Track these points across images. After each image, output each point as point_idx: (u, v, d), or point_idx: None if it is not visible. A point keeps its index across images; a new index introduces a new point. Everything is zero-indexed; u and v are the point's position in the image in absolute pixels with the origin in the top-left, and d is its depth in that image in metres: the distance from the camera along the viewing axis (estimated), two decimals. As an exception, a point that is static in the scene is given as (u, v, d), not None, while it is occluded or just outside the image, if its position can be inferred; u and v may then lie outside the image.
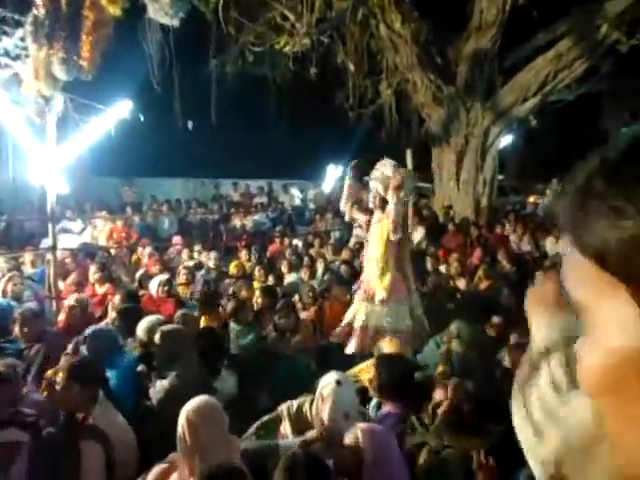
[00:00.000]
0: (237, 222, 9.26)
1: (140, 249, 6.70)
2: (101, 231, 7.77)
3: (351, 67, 8.14)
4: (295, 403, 2.65)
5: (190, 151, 10.68)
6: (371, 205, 4.08)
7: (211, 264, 6.13)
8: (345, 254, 6.07)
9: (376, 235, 3.97)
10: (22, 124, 5.15)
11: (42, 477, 2.53)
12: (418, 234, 7.00)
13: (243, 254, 6.41)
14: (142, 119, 5.52)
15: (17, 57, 5.41)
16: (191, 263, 6.05)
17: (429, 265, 5.56)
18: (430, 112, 8.74)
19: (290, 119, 10.16)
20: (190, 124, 8.51)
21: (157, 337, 2.98)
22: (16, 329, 3.61)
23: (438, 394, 2.75)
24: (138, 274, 5.45)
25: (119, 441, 2.58)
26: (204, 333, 3.52)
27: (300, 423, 2.56)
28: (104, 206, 9.48)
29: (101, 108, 5.49)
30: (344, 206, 4.21)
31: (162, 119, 7.85)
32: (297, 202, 11.37)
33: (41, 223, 7.07)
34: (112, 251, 6.91)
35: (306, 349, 3.81)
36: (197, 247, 6.80)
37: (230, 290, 4.92)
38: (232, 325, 4.07)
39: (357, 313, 3.93)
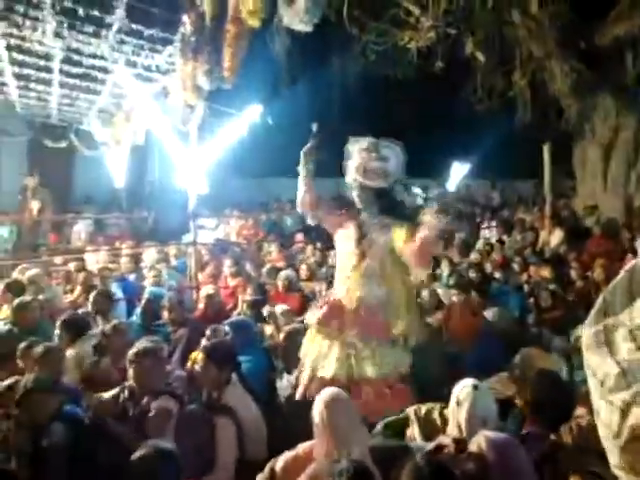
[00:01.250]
0: (357, 221, 9.32)
1: (266, 245, 7.12)
2: (233, 228, 8.43)
3: (481, 58, 7.71)
4: (424, 407, 2.60)
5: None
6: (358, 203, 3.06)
7: (331, 261, 6.26)
8: (474, 257, 5.77)
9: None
10: (168, 131, 5.78)
11: (185, 445, 2.81)
12: (556, 237, 6.38)
13: (364, 253, 6.41)
14: (271, 122, 5.83)
15: (166, 72, 6.07)
16: (312, 260, 6.25)
17: (573, 272, 5.03)
18: (570, 102, 7.92)
19: (412, 116, 9.97)
20: (314, 126, 8.74)
21: (282, 336, 3.12)
22: (165, 314, 4.07)
23: (580, 410, 2.51)
24: (265, 269, 5.77)
25: (249, 421, 2.75)
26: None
27: (428, 428, 2.51)
28: (236, 205, 10.23)
29: (234, 113, 5.94)
30: (303, 206, 3.22)
31: (288, 122, 8.21)
32: (419, 201, 11.09)
33: (182, 220, 7.84)
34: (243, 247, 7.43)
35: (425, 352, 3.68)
36: (319, 244, 7.00)
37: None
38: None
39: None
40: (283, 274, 5.00)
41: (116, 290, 5.06)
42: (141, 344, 3.10)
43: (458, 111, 9.40)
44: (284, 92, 7.40)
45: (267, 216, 9.66)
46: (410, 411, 2.68)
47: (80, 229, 8.53)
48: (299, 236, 8.03)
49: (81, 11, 4.54)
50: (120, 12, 4.60)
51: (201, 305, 4.48)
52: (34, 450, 2.57)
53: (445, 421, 2.52)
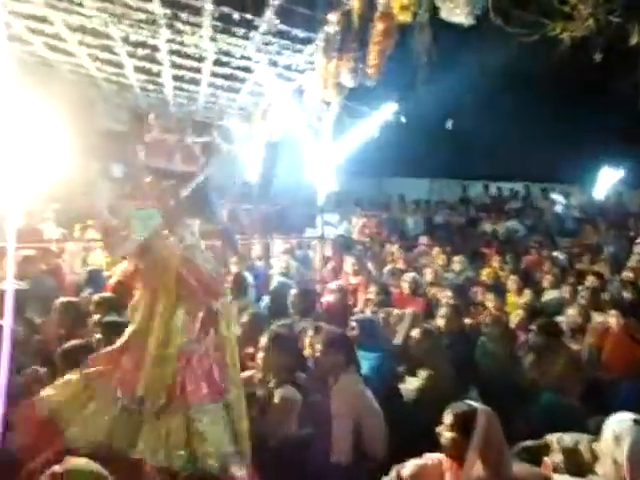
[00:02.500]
0: (487, 227, 8.84)
1: (388, 245, 7.05)
2: (354, 226, 8.49)
3: (648, 49, 6.75)
4: (568, 437, 2.36)
5: (446, 151, 10.57)
6: None
7: (456, 268, 6.00)
8: (625, 274, 5.08)
9: None
10: (302, 128, 5.98)
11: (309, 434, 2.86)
12: None
13: (495, 262, 6.03)
14: (404, 121, 5.73)
15: (303, 71, 6.27)
16: (439, 264, 6.04)
17: None
18: None
19: (554, 115, 9.11)
20: (449, 123, 8.44)
21: (416, 333, 3.04)
22: (291, 304, 4.22)
23: None
24: (387, 269, 5.70)
25: (369, 418, 2.74)
26: (457, 337, 3.44)
27: (574, 461, 2.27)
28: (357, 203, 10.30)
29: (368, 111, 5.94)
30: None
31: (419, 120, 7.96)
32: (558, 209, 10.12)
33: (306, 214, 8.10)
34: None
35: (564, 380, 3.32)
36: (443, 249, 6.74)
37: (479, 299, 4.70)
38: (482, 338, 3.85)
39: None
40: (409, 276, 4.88)
41: (247, 276, 5.36)
42: (271, 331, 3.24)
43: (612, 110, 8.37)
44: (418, 90, 7.19)
45: (389, 216, 9.57)
46: (552, 439, 2.45)
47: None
48: (423, 238, 7.81)
49: (236, 15, 4.86)
50: (269, 14, 4.83)
51: (326, 298, 4.56)
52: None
53: (595, 456, 2.26)
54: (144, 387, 2.20)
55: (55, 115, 6.17)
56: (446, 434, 2.14)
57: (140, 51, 6.20)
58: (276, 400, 2.87)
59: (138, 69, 7.13)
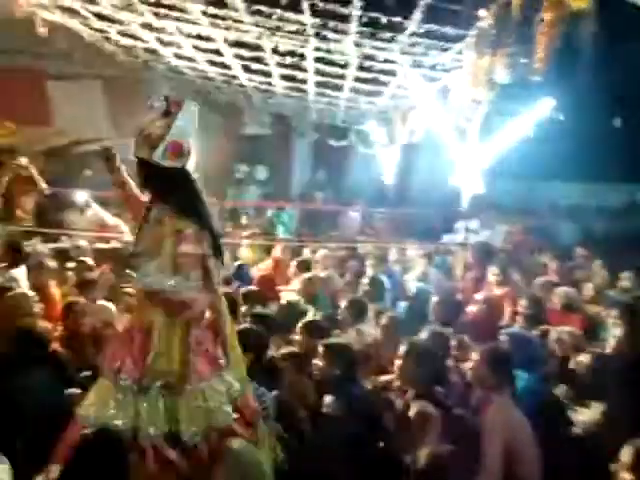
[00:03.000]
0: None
1: (538, 255, 6.46)
2: (499, 232, 7.91)
3: None
4: None
5: (611, 151, 9.35)
6: None
7: (623, 285, 5.26)
8: None
9: None
10: (447, 129, 5.74)
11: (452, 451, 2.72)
12: None
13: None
14: (562, 118, 5.20)
15: (449, 69, 6.03)
16: (599, 279, 5.35)
17: None
18: None
19: None
20: (617, 121, 7.46)
21: (585, 357, 2.71)
22: (432, 311, 4.08)
23: None
24: (538, 282, 5.20)
25: (520, 439, 2.52)
26: (632, 363, 2.97)
27: None
28: (498, 207, 9.59)
29: (520, 108, 5.49)
30: None
31: (586, 116, 7.12)
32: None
33: (445, 218, 7.79)
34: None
35: None
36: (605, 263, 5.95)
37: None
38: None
39: None
40: (562, 291, 4.40)
41: (383, 280, 5.31)
42: (410, 340, 3.13)
43: None
44: (580, 84, 6.45)
45: (539, 222, 8.78)
46: None
47: (351, 220, 9.39)
48: (580, 250, 6.98)
49: (383, 19, 4.84)
50: (417, 15, 4.72)
51: (470, 309, 4.33)
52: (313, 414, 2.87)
53: None
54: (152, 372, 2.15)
55: (210, 122, 6.81)
56: (625, 475, 1.86)
57: (288, 60, 6.55)
58: (411, 414, 2.78)
59: (284, 77, 7.55)
